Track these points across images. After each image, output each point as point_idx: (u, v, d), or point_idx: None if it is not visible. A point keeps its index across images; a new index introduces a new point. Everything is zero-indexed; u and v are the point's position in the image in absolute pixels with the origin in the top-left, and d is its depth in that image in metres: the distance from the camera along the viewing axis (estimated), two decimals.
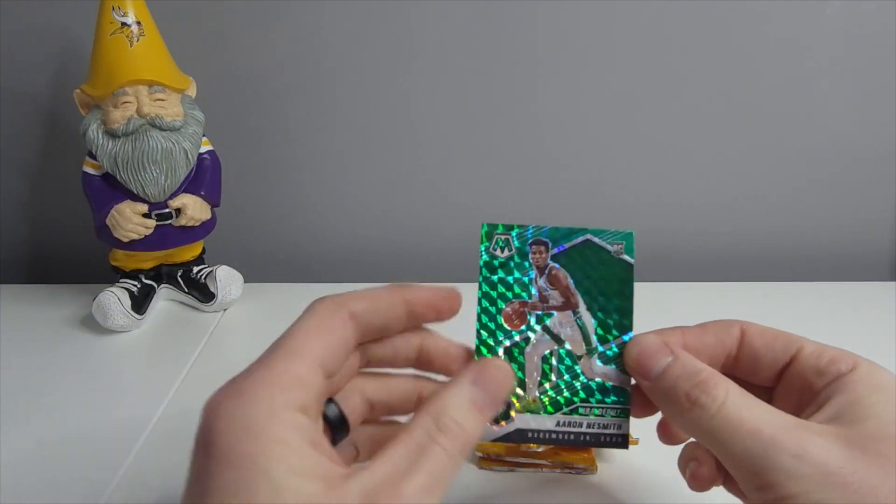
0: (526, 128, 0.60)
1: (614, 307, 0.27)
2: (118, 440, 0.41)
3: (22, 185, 0.64)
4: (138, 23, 0.48)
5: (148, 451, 0.40)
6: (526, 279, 0.28)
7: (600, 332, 0.28)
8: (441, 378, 0.29)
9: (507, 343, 0.28)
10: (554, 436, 0.28)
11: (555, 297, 0.28)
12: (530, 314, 0.28)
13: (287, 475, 0.20)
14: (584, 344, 0.28)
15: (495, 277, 0.28)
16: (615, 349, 0.27)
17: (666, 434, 0.30)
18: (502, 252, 0.28)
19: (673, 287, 0.58)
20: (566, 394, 0.28)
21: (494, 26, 0.57)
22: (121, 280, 0.54)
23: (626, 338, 0.27)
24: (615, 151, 0.61)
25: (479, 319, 0.28)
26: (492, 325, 0.28)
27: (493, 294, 0.28)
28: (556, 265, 0.28)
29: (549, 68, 0.58)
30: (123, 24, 0.48)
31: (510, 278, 0.28)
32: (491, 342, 0.28)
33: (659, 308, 0.54)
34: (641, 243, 0.71)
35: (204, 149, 0.53)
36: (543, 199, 0.63)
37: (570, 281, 0.28)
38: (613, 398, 0.28)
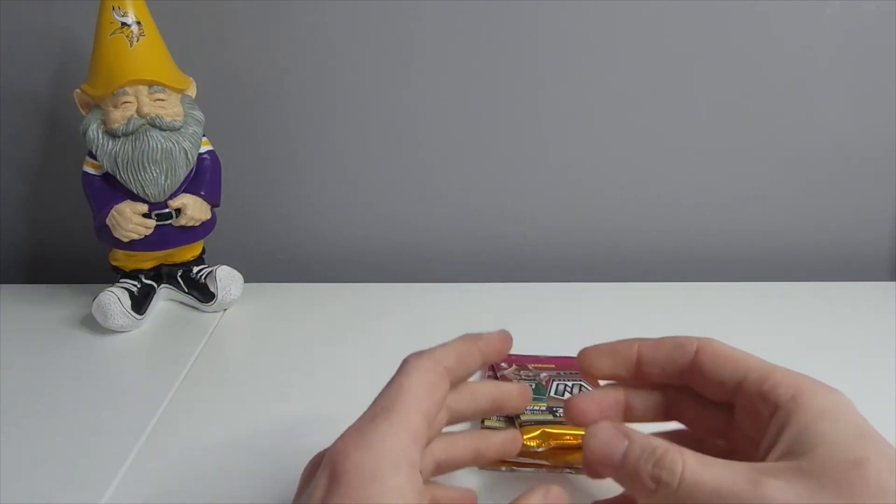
0: (526, 128, 0.60)
1: None
2: (118, 440, 0.41)
3: (22, 185, 0.64)
4: (138, 23, 0.48)
5: (148, 451, 0.40)
6: None
7: None
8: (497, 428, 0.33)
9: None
10: None
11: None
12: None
13: None
14: None
15: None
16: None
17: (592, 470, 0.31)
18: None
19: (673, 287, 0.58)
20: None
21: (495, 27, 0.57)
22: (121, 280, 0.54)
23: None
24: (615, 151, 0.61)
25: None
26: None
27: None
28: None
29: (549, 69, 0.58)
30: (123, 24, 0.48)
31: None
32: None
33: (659, 308, 0.54)
34: (642, 243, 0.71)
35: (204, 149, 0.53)
36: (544, 199, 0.63)
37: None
38: None
